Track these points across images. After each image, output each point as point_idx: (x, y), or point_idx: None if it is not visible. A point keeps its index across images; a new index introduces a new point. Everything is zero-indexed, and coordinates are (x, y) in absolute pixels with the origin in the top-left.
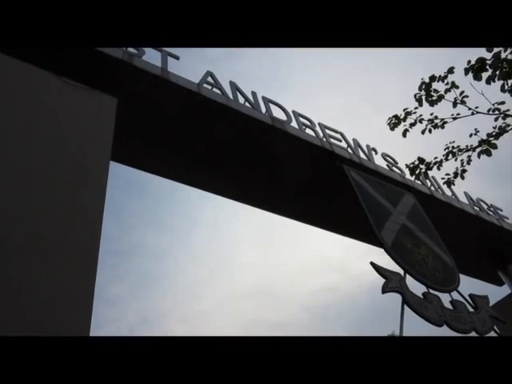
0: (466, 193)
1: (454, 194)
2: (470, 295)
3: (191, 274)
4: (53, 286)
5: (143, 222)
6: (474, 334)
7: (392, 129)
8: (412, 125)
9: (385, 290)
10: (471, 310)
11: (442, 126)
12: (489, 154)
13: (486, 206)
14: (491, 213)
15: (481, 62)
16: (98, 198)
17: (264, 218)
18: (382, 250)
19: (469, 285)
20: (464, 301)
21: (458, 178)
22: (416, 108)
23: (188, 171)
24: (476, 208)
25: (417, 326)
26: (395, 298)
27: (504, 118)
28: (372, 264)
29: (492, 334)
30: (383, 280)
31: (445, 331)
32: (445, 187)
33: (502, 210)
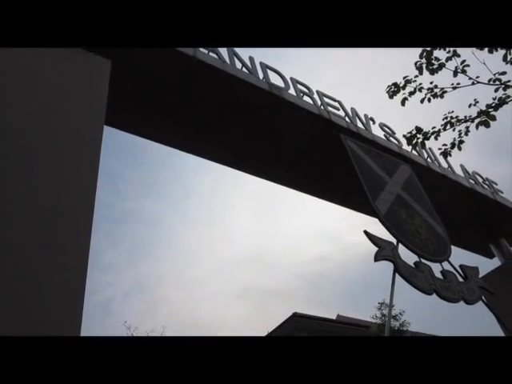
0: (461, 165)
1: (450, 166)
2: (461, 266)
3: (186, 240)
4: (44, 252)
5: (138, 189)
6: (462, 302)
7: (391, 97)
8: (411, 93)
9: (377, 258)
10: (461, 280)
11: (442, 96)
12: (487, 125)
13: (481, 180)
14: (486, 186)
15: None
16: (92, 164)
17: (260, 186)
18: (376, 221)
19: (460, 256)
20: (454, 271)
21: (455, 149)
22: (416, 76)
23: (184, 137)
24: (471, 181)
25: (407, 295)
26: (387, 268)
27: (504, 89)
28: (365, 233)
29: (480, 303)
30: (376, 250)
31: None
32: (441, 159)
33: (496, 184)
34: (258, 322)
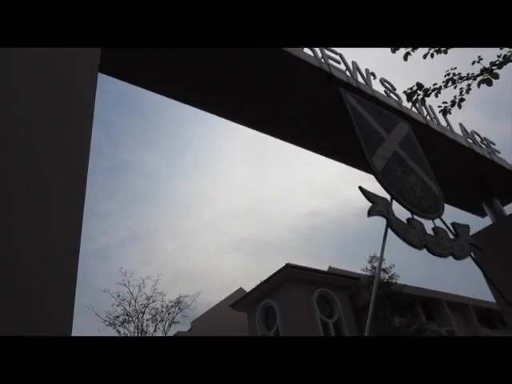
0: (460, 124)
1: (448, 124)
2: (453, 223)
3: (182, 192)
4: (37, 201)
5: (134, 140)
6: (451, 259)
7: (393, 51)
8: (414, 48)
9: (371, 213)
10: (452, 237)
11: (445, 51)
12: (489, 83)
13: (479, 139)
14: (484, 146)
15: None
16: (86, 112)
17: (256, 140)
18: (371, 178)
19: (452, 214)
20: (446, 228)
21: (455, 107)
22: None
23: (181, 88)
24: (469, 140)
25: (398, 250)
26: (380, 224)
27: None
28: (360, 188)
29: (469, 261)
30: (370, 205)
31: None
32: (440, 117)
33: (494, 144)
34: (252, 273)
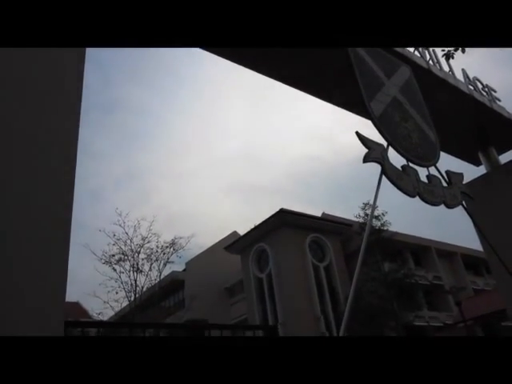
0: (463, 70)
1: (451, 69)
2: (447, 171)
3: (177, 133)
4: (33, 141)
5: (127, 76)
6: (443, 207)
7: None
8: None
9: (366, 159)
10: (445, 185)
11: None
12: None
13: (480, 86)
14: (485, 93)
15: None
16: (79, 49)
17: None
18: (369, 125)
19: (446, 162)
20: (440, 176)
21: (459, 51)
22: None
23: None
24: (470, 87)
25: (391, 197)
26: (375, 171)
27: None
28: (357, 134)
29: (461, 210)
30: (366, 152)
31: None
32: (443, 62)
33: (495, 91)
34: (246, 217)
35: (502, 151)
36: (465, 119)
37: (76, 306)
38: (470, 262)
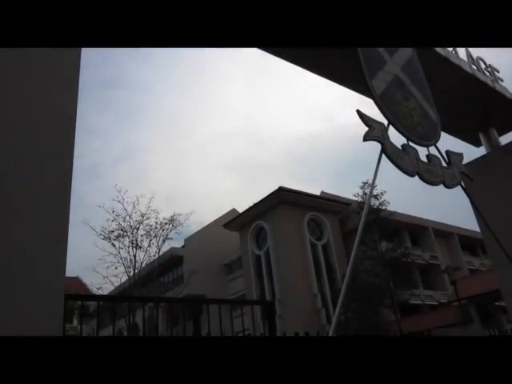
0: (467, 49)
1: (454, 49)
2: (447, 151)
3: (175, 109)
4: (30, 117)
5: (124, 51)
6: (442, 188)
7: None
8: None
9: (366, 138)
10: (445, 165)
11: None
12: None
13: (483, 66)
14: (487, 73)
15: None
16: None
17: (252, 57)
18: (370, 104)
19: (447, 143)
20: (440, 156)
21: None
22: None
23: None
24: (473, 67)
25: (390, 177)
26: (375, 150)
27: None
28: (358, 112)
29: (458, 188)
30: (366, 130)
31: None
32: None
33: (498, 72)
34: (245, 194)
35: (503, 132)
36: (466, 99)
37: (76, 280)
38: (467, 242)
